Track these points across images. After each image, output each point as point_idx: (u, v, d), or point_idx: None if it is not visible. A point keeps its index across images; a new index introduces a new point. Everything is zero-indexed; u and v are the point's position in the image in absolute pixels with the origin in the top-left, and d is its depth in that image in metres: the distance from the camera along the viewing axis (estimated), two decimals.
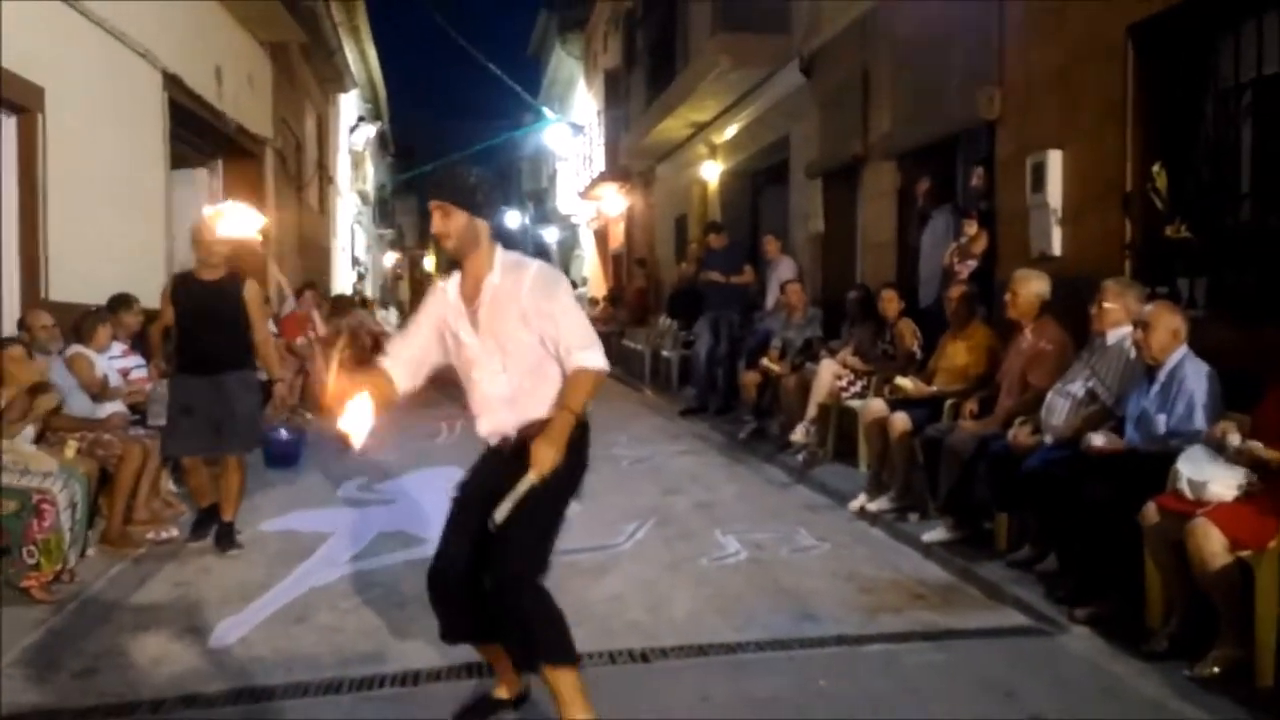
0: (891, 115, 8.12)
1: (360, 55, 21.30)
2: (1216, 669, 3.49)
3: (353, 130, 23.02)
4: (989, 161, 6.71)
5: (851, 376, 7.06)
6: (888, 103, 8.17)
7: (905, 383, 5.96)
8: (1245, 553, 3.46)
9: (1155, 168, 4.98)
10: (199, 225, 5.36)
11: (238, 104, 11.01)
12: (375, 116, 26.25)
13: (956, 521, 5.13)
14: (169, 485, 6.38)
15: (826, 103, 9.45)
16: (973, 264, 6.50)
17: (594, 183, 20.46)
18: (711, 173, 13.42)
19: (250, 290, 5.41)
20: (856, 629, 4.13)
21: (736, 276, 9.94)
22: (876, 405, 6.03)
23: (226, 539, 5.41)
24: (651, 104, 14.07)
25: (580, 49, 23.86)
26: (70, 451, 5.36)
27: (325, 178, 18.61)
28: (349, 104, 22.57)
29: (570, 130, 24.06)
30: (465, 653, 3.70)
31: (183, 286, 5.39)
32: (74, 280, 6.87)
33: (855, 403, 6.84)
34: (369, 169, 26.82)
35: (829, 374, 7.11)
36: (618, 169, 18.56)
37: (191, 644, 4.11)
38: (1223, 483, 3.59)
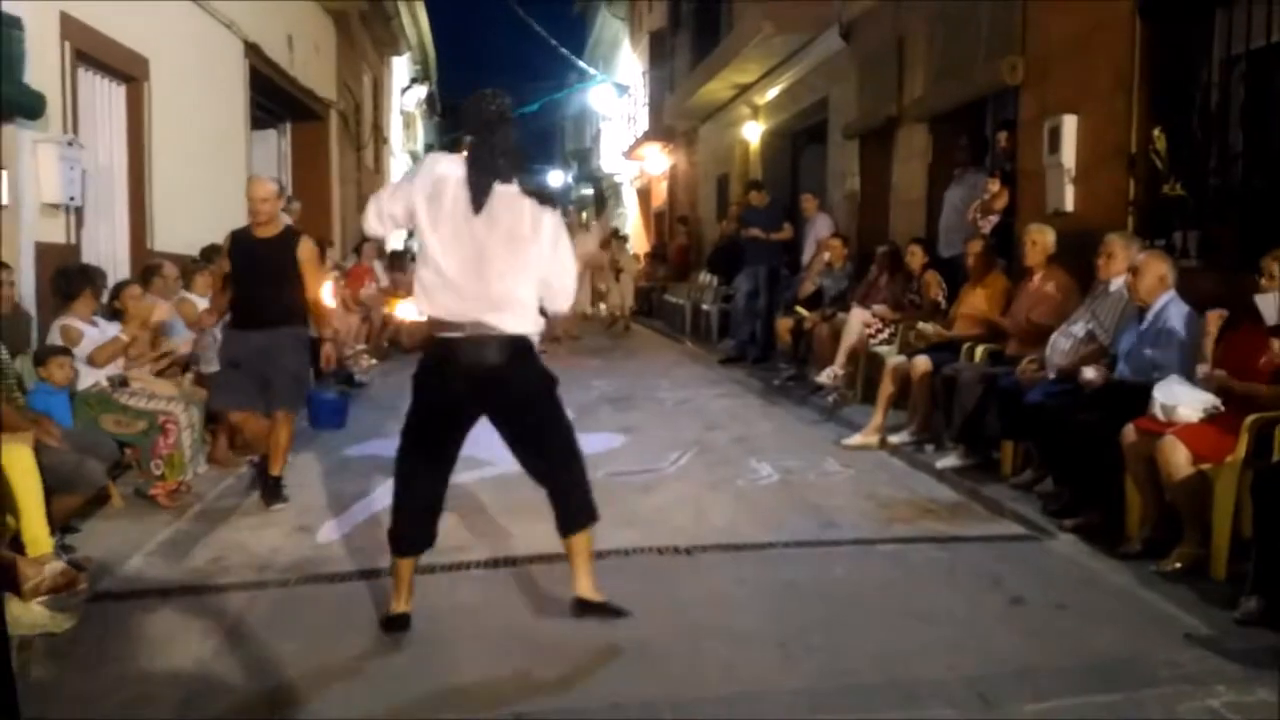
0: (924, 80, 8.60)
1: (412, 18, 21.85)
2: (1179, 564, 4.07)
3: (404, 92, 23.62)
4: (1013, 124, 7.21)
5: (879, 324, 7.64)
6: (920, 68, 8.65)
7: (926, 327, 6.55)
8: (1206, 466, 4.03)
9: (1156, 131, 5.49)
10: (249, 182, 5.49)
11: (306, 69, 11.70)
12: (424, 78, 26.82)
13: (968, 450, 5.73)
14: None
15: (864, 67, 9.92)
16: (994, 219, 7.04)
17: (638, 142, 20.95)
18: (753, 133, 13.90)
19: (304, 248, 5.37)
20: (872, 534, 4.78)
21: (776, 233, 10.46)
22: (898, 359, 6.68)
23: (273, 493, 5.35)
24: (696, 67, 14.54)
25: (625, 10, 24.24)
26: (186, 382, 6.13)
27: (380, 138, 19.28)
28: (401, 66, 23.16)
29: (615, 90, 24.52)
30: (543, 544, 4.41)
31: (238, 242, 5.37)
32: (171, 232, 7.62)
33: (882, 349, 7.42)
34: (419, 129, 27.45)
35: (859, 322, 7.69)
36: (661, 129, 19.01)
37: (302, 539, 4.82)
38: (1190, 406, 4.15)
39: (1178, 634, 3.54)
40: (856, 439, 6.61)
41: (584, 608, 3.53)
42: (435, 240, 3.24)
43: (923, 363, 6.30)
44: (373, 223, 3.42)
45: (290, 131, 12.45)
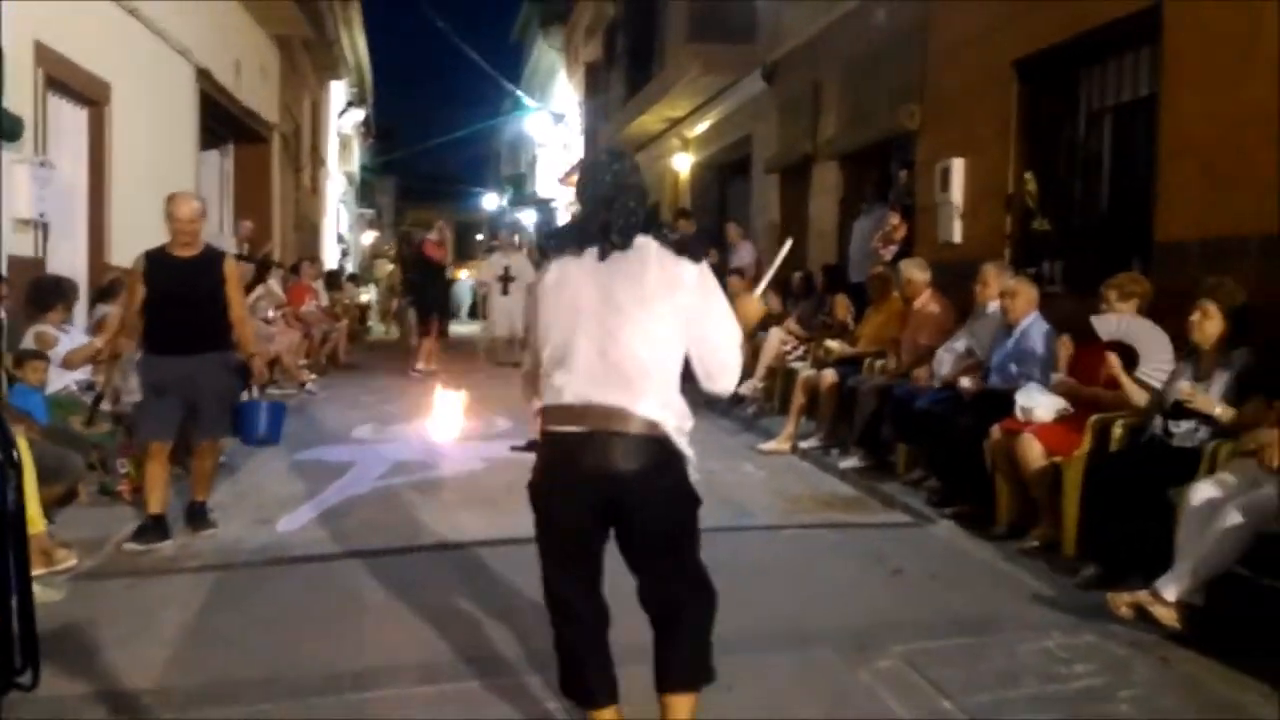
0: (836, 122, 9.40)
1: (351, 43, 22.29)
2: (1035, 543, 4.77)
3: (341, 114, 23.99)
4: (912, 164, 8.01)
5: (794, 342, 8.34)
6: (834, 111, 9.46)
7: (833, 344, 7.28)
8: (1058, 459, 4.74)
9: (1027, 175, 6.29)
10: (172, 200, 5.02)
11: (252, 93, 12.11)
12: (361, 100, 27.20)
13: (868, 453, 6.42)
14: None
15: (784, 108, 10.71)
16: (894, 249, 7.81)
17: (573, 169, 21.59)
18: (683, 164, 14.65)
19: (229, 267, 5.13)
20: (778, 521, 5.42)
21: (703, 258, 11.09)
22: (809, 372, 7.38)
23: (200, 519, 5.17)
24: (629, 100, 15.26)
25: (561, 42, 24.95)
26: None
27: (318, 160, 19.64)
28: (338, 90, 23.54)
29: (551, 118, 25.18)
30: (482, 527, 4.96)
31: (156, 263, 4.98)
32: (127, 248, 7.95)
33: (797, 364, 8.11)
34: (354, 151, 27.76)
35: (776, 340, 8.38)
36: None
37: (262, 529, 5.27)
38: (1045, 408, 4.88)
39: (1027, 596, 4.22)
40: (771, 445, 7.27)
41: None
42: (548, 318, 2.59)
43: (829, 376, 6.99)
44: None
45: (234, 152, 12.81)
